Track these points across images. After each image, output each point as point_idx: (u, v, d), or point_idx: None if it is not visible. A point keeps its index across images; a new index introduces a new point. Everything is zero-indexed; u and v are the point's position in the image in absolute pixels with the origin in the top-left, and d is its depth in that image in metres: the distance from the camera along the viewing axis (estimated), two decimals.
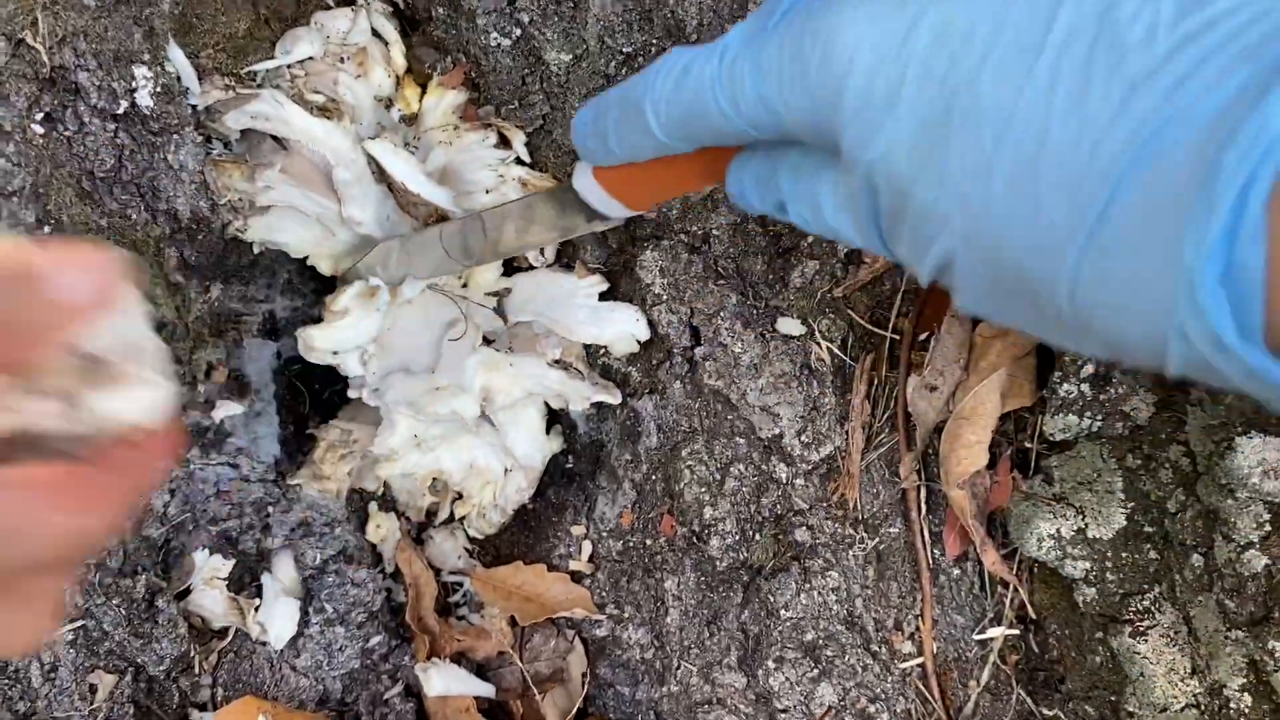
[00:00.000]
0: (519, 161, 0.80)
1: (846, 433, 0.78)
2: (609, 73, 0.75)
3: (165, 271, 0.74)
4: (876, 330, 0.78)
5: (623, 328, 0.80)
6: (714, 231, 0.79)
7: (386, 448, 0.82)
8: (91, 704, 0.73)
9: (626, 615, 0.84)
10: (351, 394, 0.83)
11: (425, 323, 0.85)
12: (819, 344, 0.77)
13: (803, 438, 0.77)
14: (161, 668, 0.76)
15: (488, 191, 0.79)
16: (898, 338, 0.78)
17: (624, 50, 0.74)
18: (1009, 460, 0.78)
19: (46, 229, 0.67)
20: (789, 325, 0.77)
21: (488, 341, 0.86)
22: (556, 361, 0.84)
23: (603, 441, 0.86)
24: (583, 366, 0.83)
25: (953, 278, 0.42)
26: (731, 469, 0.80)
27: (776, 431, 0.77)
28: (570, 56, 0.76)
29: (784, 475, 0.79)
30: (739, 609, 0.80)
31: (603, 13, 0.73)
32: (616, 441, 0.84)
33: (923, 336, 0.78)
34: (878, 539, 0.79)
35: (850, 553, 0.78)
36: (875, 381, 0.79)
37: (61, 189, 0.68)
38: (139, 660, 0.75)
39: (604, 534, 0.85)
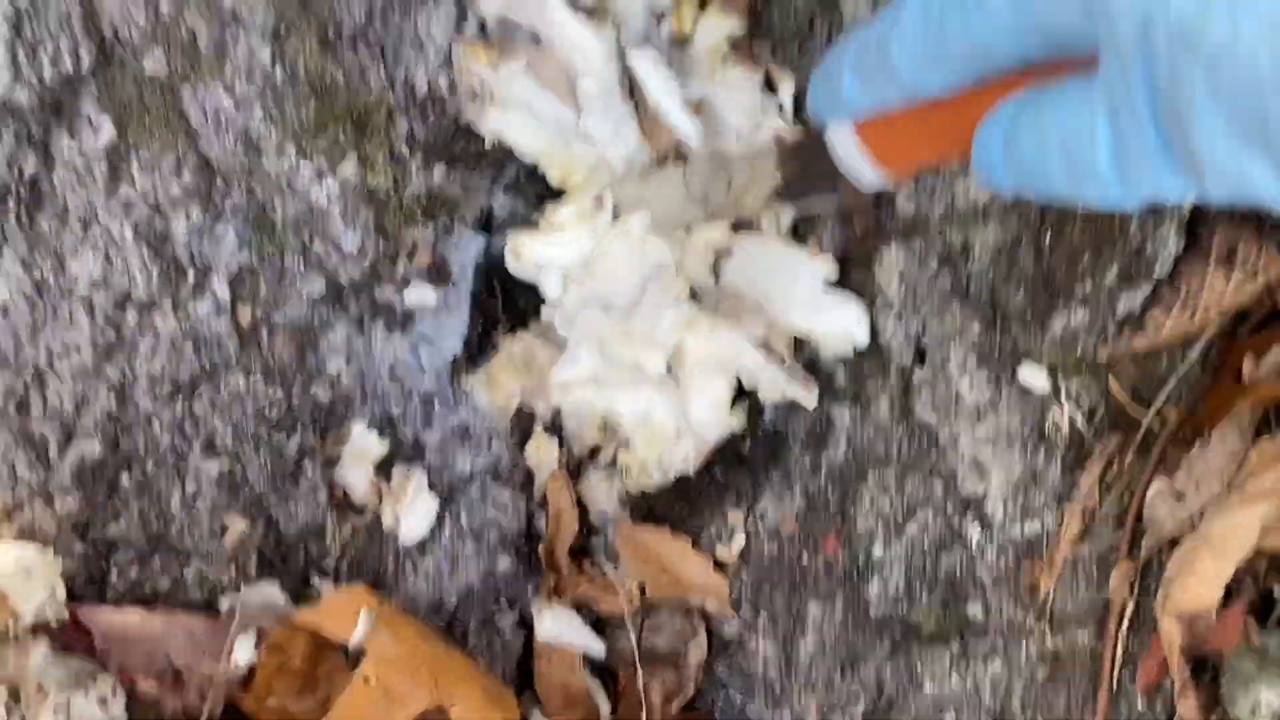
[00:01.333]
0: (780, 112, 0.71)
1: (1062, 515, 0.67)
2: None
3: (391, 140, 0.71)
4: (1135, 410, 0.66)
5: (842, 326, 0.71)
6: (976, 245, 0.68)
7: (564, 378, 0.77)
8: (220, 541, 0.74)
9: (761, 624, 0.78)
10: (544, 315, 0.78)
11: (637, 261, 0.79)
12: (1062, 406, 0.66)
13: (1009, 506, 0.67)
14: (294, 527, 0.76)
15: (737, 138, 0.71)
16: (1157, 426, 0.66)
17: None
18: (1246, 604, 0.65)
19: (279, 71, 0.65)
20: (1033, 376, 0.66)
21: (694, 297, 0.79)
22: (760, 341, 0.77)
23: (786, 437, 0.78)
24: (787, 354, 0.75)
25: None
26: (918, 513, 0.70)
27: (981, 491, 0.67)
28: (868, 7, 0.66)
29: (975, 539, 0.69)
30: (881, 663, 0.71)
31: None
32: (801, 441, 0.76)
33: (1188, 434, 0.65)
34: (1060, 640, 0.68)
35: (1024, 646, 0.68)
36: (1114, 468, 0.67)
37: (305, 35, 0.65)
38: (274, 515, 0.75)
39: (761, 532, 0.78)
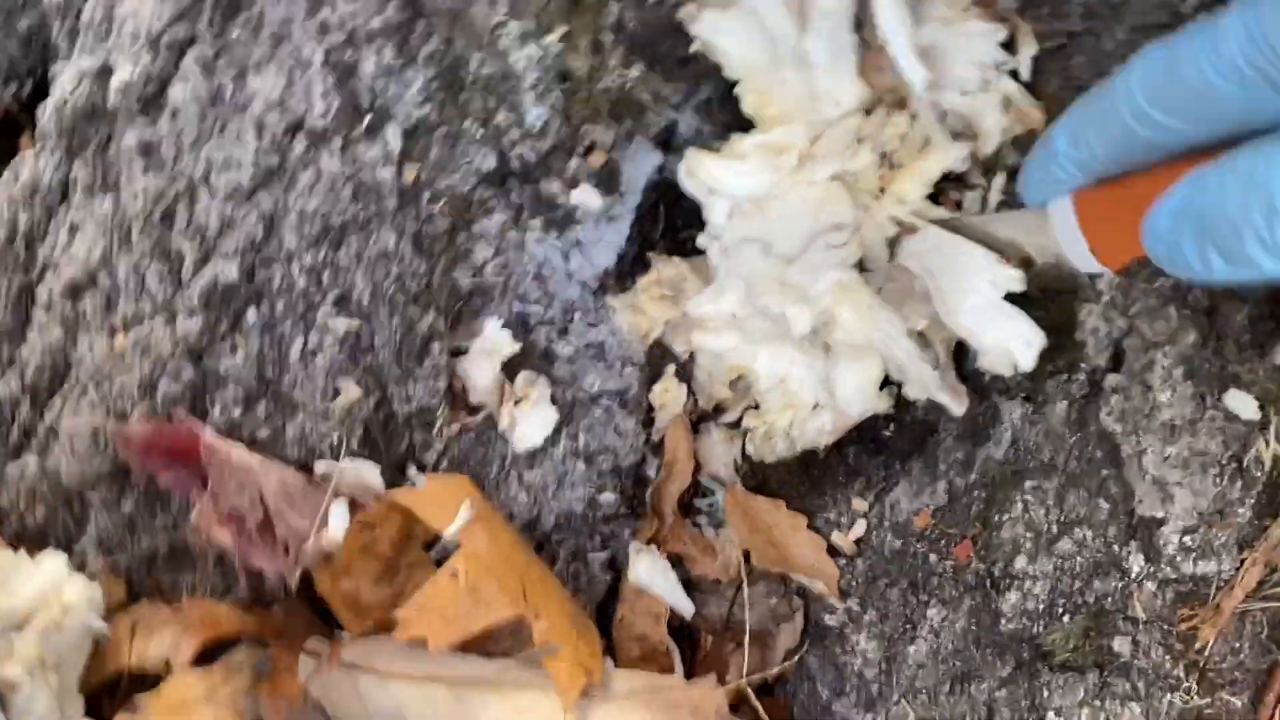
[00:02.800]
0: (1014, 75, 0.66)
1: (1242, 562, 0.60)
2: (1180, 10, 0.60)
3: (599, 23, 0.67)
4: None
5: (1009, 344, 0.65)
6: None
7: (703, 310, 0.73)
8: (329, 403, 0.70)
9: (867, 619, 0.72)
10: (700, 242, 0.74)
11: (814, 210, 0.74)
12: (1268, 442, 0.60)
13: (1186, 539, 0.60)
14: (407, 408, 0.72)
15: (963, 93, 0.67)
16: None
17: None
18: None
19: None
20: (1240, 403, 0.60)
21: (862, 268, 0.74)
22: (918, 333, 0.71)
23: (936, 427, 0.72)
24: (944, 354, 0.69)
25: None
26: (1075, 530, 0.64)
27: (1159, 515, 0.61)
28: None
29: (1136, 569, 0.62)
30: (999, 684, 0.65)
31: None
32: (955, 434, 0.70)
33: None
34: (1209, 700, 0.61)
35: (1168, 698, 0.61)
36: None
37: None
38: (390, 391, 0.71)
39: (887, 523, 0.73)
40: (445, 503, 0.67)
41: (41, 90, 0.97)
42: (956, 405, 0.70)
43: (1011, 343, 0.67)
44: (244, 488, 0.64)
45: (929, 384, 0.70)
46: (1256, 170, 0.37)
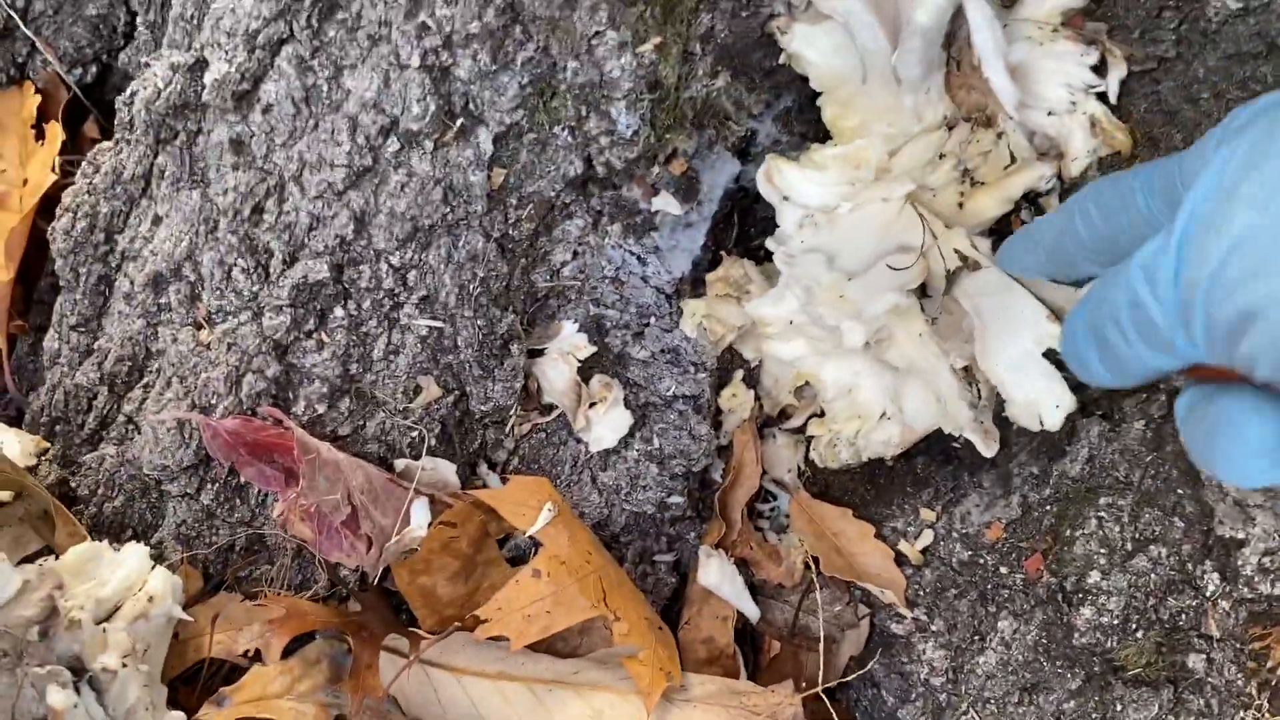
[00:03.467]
0: (1102, 97, 0.67)
1: None
2: (1276, 42, 0.61)
3: (690, 32, 0.67)
4: None
5: (1038, 401, 0.66)
6: None
7: (762, 312, 0.73)
8: (409, 402, 0.71)
9: (934, 628, 0.73)
10: (770, 245, 0.74)
11: (883, 229, 0.74)
12: None
13: (1265, 561, 0.61)
14: (484, 406, 0.72)
15: (1050, 114, 0.67)
16: None
17: None
18: None
19: None
20: None
21: (923, 293, 0.74)
22: (964, 369, 0.72)
23: (1009, 443, 0.73)
24: (987, 394, 0.70)
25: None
26: (1150, 548, 0.65)
27: (1240, 536, 0.62)
28: (1239, 4, 0.61)
29: (1211, 588, 0.63)
30: (1069, 696, 0.66)
31: None
32: (1029, 449, 0.71)
33: None
34: None
35: (1241, 715, 0.62)
36: None
37: None
38: (469, 389, 0.72)
39: (955, 533, 0.73)
40: (527, 503, 0.68)
41: (106, 76, 0.98)
42: (986, 448, 0.70)
43: (1042, 401, 0.67)
44: (333, 484, 0.64)
45: (963, 422, 0.71)
46: (1106, 287, 0.44)
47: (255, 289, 0.69)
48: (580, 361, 0.74)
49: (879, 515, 0.78)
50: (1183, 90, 0.65)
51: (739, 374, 0.80)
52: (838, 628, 0.77)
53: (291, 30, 0.66)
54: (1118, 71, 0.66)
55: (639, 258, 0.75)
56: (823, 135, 0.74)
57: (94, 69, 0.97)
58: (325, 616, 0.65)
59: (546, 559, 0.65)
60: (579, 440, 0.75)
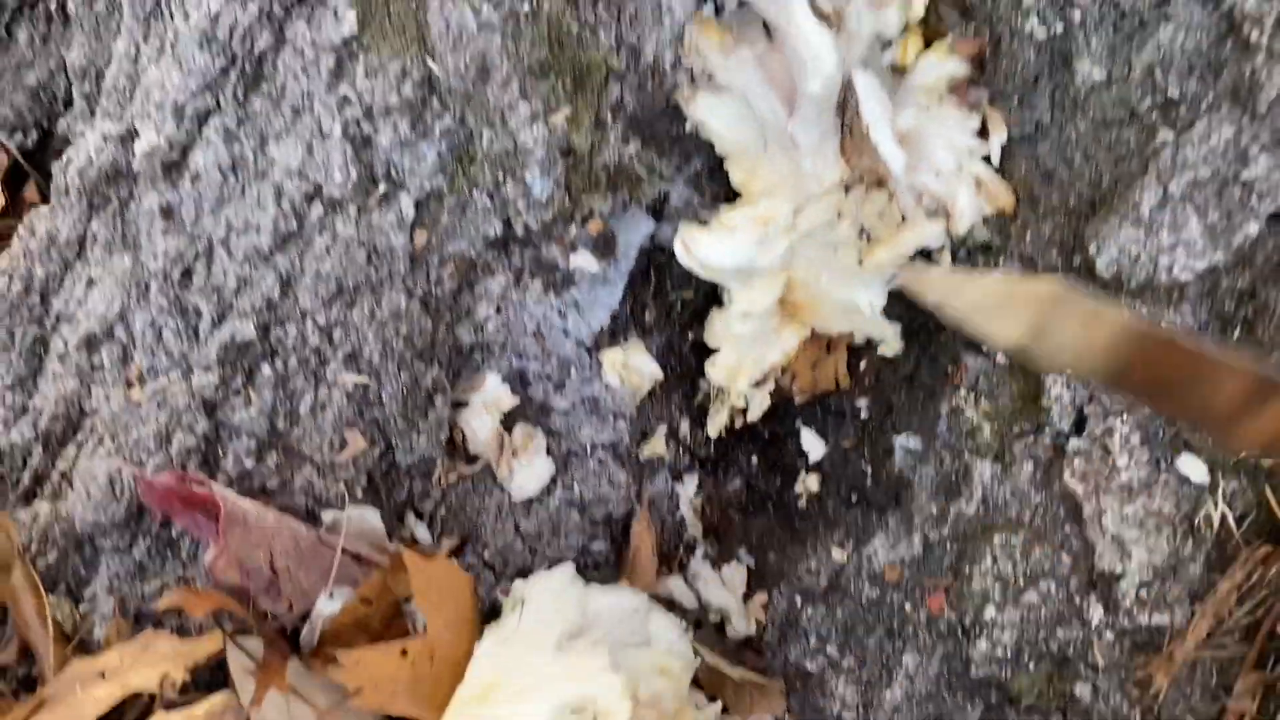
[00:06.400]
0: (986, 160, 0.72)
1: (1193, 614, 0.65)
2: (1136, 109, 0.66)
3: (601, 103, 0.71)
4: None
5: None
6: (1164, 322, 0.67)
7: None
8: (335, 454, 0.73)
9: (845, 665, 0.76)
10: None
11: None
12: (1216, 503, 0.65)
13: (1142, 593, 0.65)
14: (410, 458, 0.75)
15: (938, 175, 0.72)
16: None
17: (1169, 95, 0.64)
18: None
19: (525, 5, 0.66)
20: (1192, 467, 0.65)
21: None
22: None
23: (912, 482, 0.77)
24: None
25: None
26: (1040, 583, 0.69)
27: (1117, 570, 0.66)
28: (1103, 75, 0.66)
29: (1096, 619, 0.67)
30: None
31: (1169, 46, 0.64)
32: (930, 490, 0.75)
33: None
34: None
35: None
36: (1256, 578, 0.65)
37: None
38: (394, 442, 0.75)
39: (865, 572, 0.77)
40: (441, 591, 0.70)
41: (47, 141, 1.00)
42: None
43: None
44: (257, 547, 0.67)
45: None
46: None
47: (185, 349, 0.72)
48: (504, 412, 0.77)
49: (794, 555, 0.81)
50: (1059, 152, 0.69)
51: (662, 428, 0.84)
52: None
53: (218, 102, 0.69)
54: (999, 135, 0.71)
55: (560, 312, 0.79)
56: (733, 194, 0.78)
57: (34, 135, 0.99)
58: (229, 603, 0.67)
59: (420, 645, 0.68)
60: (503, 489, 0.77)
